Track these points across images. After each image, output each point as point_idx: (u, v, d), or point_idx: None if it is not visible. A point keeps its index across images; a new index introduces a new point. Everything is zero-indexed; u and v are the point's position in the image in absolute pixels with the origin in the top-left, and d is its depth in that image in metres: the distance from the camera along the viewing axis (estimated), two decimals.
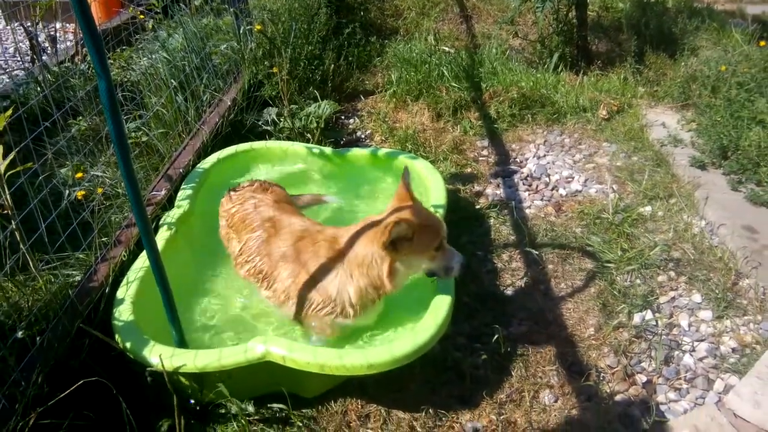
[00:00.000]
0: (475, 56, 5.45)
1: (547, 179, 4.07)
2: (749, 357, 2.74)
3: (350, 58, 5.48)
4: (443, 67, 5.11)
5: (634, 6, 6.63)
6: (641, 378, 2.68)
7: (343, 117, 4.82)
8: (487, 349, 2.76)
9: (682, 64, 5.34)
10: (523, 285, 3.18)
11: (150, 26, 4.63)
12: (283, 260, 2.60)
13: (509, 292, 3.14)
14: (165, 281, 2.24)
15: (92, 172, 3.42)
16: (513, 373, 2.66)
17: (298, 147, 3.59)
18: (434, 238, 2.44)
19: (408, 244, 2.38)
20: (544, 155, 4.33)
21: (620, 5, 6.88)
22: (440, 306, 2.44)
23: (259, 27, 4.50)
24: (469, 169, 4.14)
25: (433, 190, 3.28)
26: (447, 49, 5.64)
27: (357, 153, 3.60)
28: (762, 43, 5.30)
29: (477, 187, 3.98)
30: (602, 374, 2.69)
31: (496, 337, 2.73)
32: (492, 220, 3.66)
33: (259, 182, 3.01)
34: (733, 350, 2.82)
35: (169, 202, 3.21)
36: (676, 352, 2.81)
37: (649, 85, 5.24)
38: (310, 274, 2.52)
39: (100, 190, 3.19)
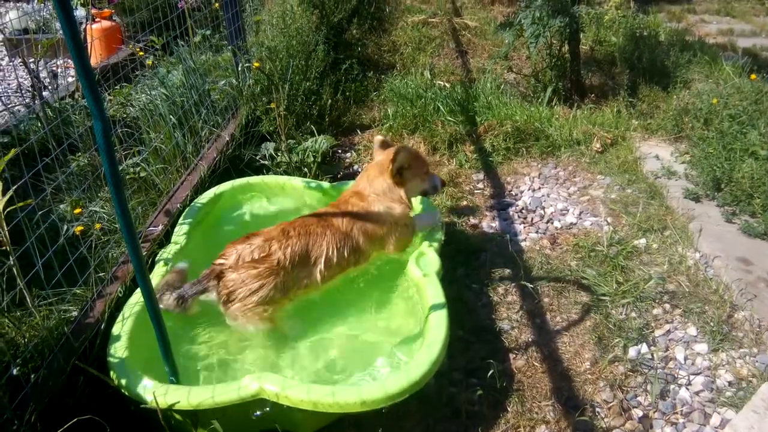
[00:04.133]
0: (470, 90, 5.53)
1: (542, 212, 4.10)
2: (745, 390, 2.73)
3: (347, 93, 5.56)
4: (439, 101, 5.19)
5: (627, 40, 6.73)
6: (637, 413, 2.66)
7: (339, 151, 4.87)
8: (482, 384, 2.75)
9: (675, 97, 5.41)
10: (518, 318, 3.18)
11: (149, 63, 4.71)
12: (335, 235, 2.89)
13: (505, 325, 3.13)
14: (159, 317, 2.24)
15: (90, 208, 3.45)
16: (509, 409, 2.65)
17: (296, 181, 3.62)
18: (423, 165, 3.23)
19: (408, 172, 3.08)
20: (539, 188, 4.37)
21: (613, 39, 6.99)
22: (434, 341, 2.44)
23: (257, 64, 4.58)
24: (465, 202, 4.18)
25: None
26: (443, 83, 5.73)
27: None
28: (753, 76, 5.37)
29: (473, 220, 4.01)
30: (598, 409, 2.67)
31: (491, 372, 2.73)
32: (488, 253, 3.67)
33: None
34: (730, 383, 2.81)
35: (166, 238, 3.23)
36: (672, 386, 2.80)
37: (642, 117, 5.30)
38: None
39: (98, 226, 3.21)
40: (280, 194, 3.64)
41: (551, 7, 5.08)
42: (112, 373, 2.38)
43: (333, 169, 4.43)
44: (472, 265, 3.57)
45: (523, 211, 4.13)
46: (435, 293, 2.72)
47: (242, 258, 2.70)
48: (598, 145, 4.77)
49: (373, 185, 3.07)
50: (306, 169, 4.17)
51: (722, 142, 4.49)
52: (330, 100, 5.06)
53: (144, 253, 3.05)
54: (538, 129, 4.94)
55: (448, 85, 5.70)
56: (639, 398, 2.74)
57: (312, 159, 4.17)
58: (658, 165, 4.55)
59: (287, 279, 2.73)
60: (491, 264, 3.59)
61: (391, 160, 2.99)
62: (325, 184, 3.61)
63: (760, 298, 3.24)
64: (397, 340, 2.73)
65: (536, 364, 2.90)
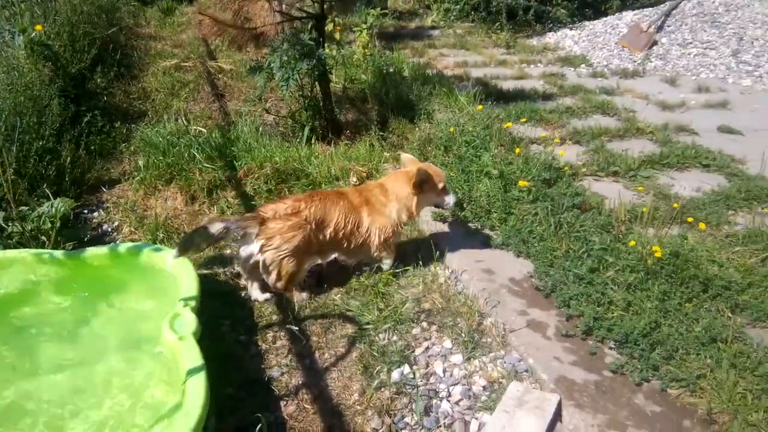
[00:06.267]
0: (228, 134, 5.46)
1: None
2: (497, 392, 3.00)
3: (92, 147, 5.15)
4: (194, 148, 5.03)
5: (376, 77, 7.21)
6: None
7: (86, 211, 4.47)
8: None
9: (417, 128, 5.88)
10: (288, 363, 3.16)
11: None
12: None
13: (275, 373, 3.09)
14: None
15: None
16: None
17: (24, 254, 3.22)
18: (440, 181, 3.81)
19: (426, 185, 3.72)
20: None
21: (363, 77, 7.43)
22: (192, 410, 2.30)
23: None
24: (228, 251, 4.08)
25: (183, 281, 3.13)
26: (199, 128, 5.58)
27: (93, 253, 3.31)
28: (480, 107, 6.05)
29: (237, 268, 3.91)
30: None
31: (260, 426, 2.65)
32: (254, 301, 3.61)
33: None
34: (484, 388, 3.06)
35: None
36: (435, 401, 2.98)
37: (393, 149, 5.67)
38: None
39: None
40: (9, 270, 3.20)
41: (298, 51, 5.22)
42: None
43: (78, 232, 4.03)
44: (240, 316, 3.48)
45: None
46: (191, 357, 2.58)
47: (278, 212, 3.38)
48: (354, 180, 4.99)
49: (396, 187, 3.73)
50: (44, 237, 3.74)
51: (461, 165, 4.97)
52: (70, 157, 4.64)
53: None
54: (298, 168, 5.02)
55: (205, 130, 5.57)
56: (406, 419, 2.86)
57: (50, 225, 3.76)
58: None
59: (311, 233, 3.43)
60: (259, 312, 3.53)
61: (415, 173, 3.62)
62: (58, 254, 3.25)
63: (503, 303, 3.60)
64: (155, 414, 2.54)
65: (307, 406, 2.89)
